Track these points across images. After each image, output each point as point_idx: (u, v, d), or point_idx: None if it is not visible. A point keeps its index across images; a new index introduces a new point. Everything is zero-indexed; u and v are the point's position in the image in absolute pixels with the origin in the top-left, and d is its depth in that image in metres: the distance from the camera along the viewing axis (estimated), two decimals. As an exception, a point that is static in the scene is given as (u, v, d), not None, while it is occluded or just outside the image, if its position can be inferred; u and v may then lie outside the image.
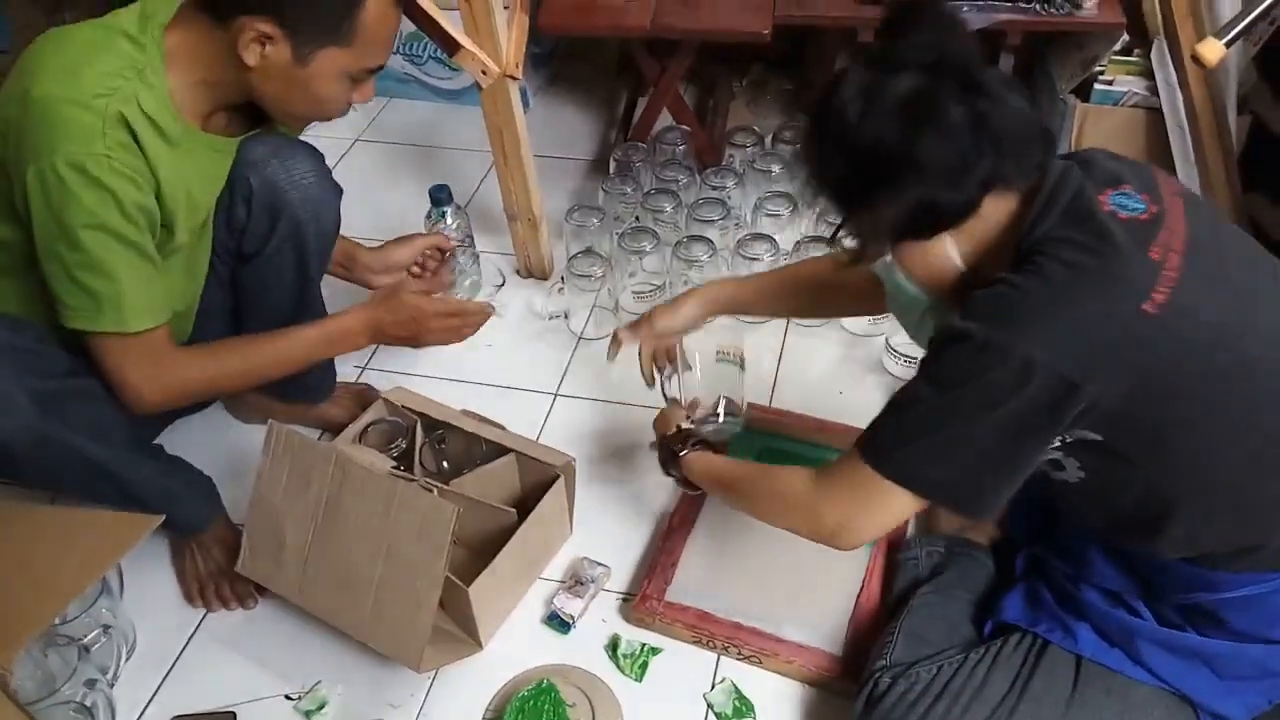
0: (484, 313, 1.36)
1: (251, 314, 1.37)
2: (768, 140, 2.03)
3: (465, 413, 1.43)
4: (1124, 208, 0.91)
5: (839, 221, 0.98)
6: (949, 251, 0.97)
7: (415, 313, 1.30)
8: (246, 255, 1.30)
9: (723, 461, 1.22)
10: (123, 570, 1.37)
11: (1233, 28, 1.28)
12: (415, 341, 1.34)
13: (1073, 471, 0.99)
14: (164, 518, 1.19)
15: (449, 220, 1.69)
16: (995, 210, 0.94)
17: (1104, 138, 1.81)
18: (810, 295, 1.33)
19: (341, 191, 1.35)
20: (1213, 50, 1.26)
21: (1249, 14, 1.28)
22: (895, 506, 0.99)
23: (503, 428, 1.41)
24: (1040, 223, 0.91)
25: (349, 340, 1.31)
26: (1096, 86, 1.81)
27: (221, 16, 1.08)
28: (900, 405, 0.98)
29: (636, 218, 1.86)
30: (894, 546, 1.33)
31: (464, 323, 1.35)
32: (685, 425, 1.27)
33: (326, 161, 1.34)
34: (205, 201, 1.22)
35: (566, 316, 1.77)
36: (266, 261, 1.30)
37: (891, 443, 0.97)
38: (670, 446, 1.25)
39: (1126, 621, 1.07)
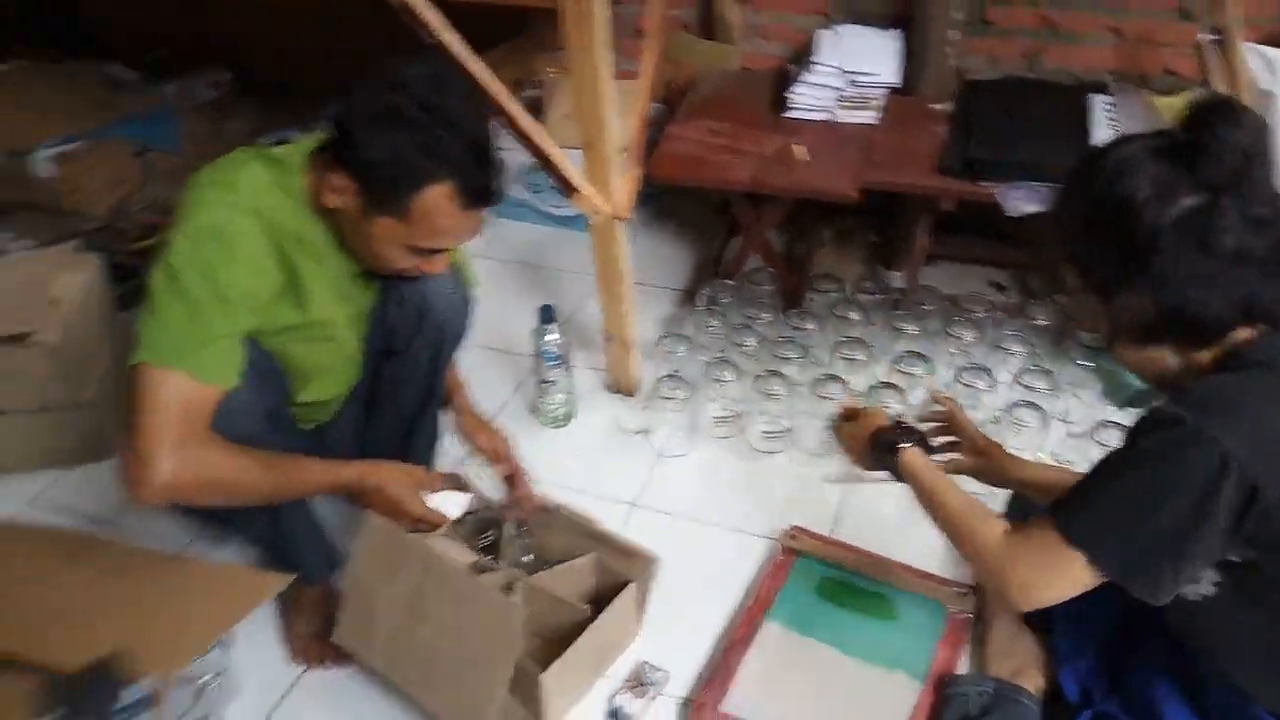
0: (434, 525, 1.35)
1: (385, 402, 1.55)
2: (849, 289, 2.18)
3: (557, 508, 1.55)
4: None
5: (1075, 285, 1.03)
6: (1168, 359, 1.02)
7: (400, 499, 1.31)
8: (392, 351, 1.48)
9: (938, 476, 1.22)
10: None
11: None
12: (375, 508, 1.32)
13: (1206, 584, 1.02)
14: (295, 576, 1.32)
15: (554, 335, 1.86)
16: (1235, 334, 0.99)
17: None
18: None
19: (476, 302, 1.54)
20: None
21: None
22: (1075, 574, 1.00)
23: (592, 522, 1.52)
24: (1269, 347, 0.98)
25: (340, 478, 1.29)
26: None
27: (320, 162, 1.22)
28: (1099, 473, 1.01)
29: (722, 349, 2.02)
30: (943, 683, 1.39)
31: (416, 523, 1.34)
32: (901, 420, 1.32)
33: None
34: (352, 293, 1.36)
35: (649, 433, 1.91)
36: (408, 357, 1.48)
37: (1082, 508, 1.00)
38: (890, 438, 1.28)
39: None
